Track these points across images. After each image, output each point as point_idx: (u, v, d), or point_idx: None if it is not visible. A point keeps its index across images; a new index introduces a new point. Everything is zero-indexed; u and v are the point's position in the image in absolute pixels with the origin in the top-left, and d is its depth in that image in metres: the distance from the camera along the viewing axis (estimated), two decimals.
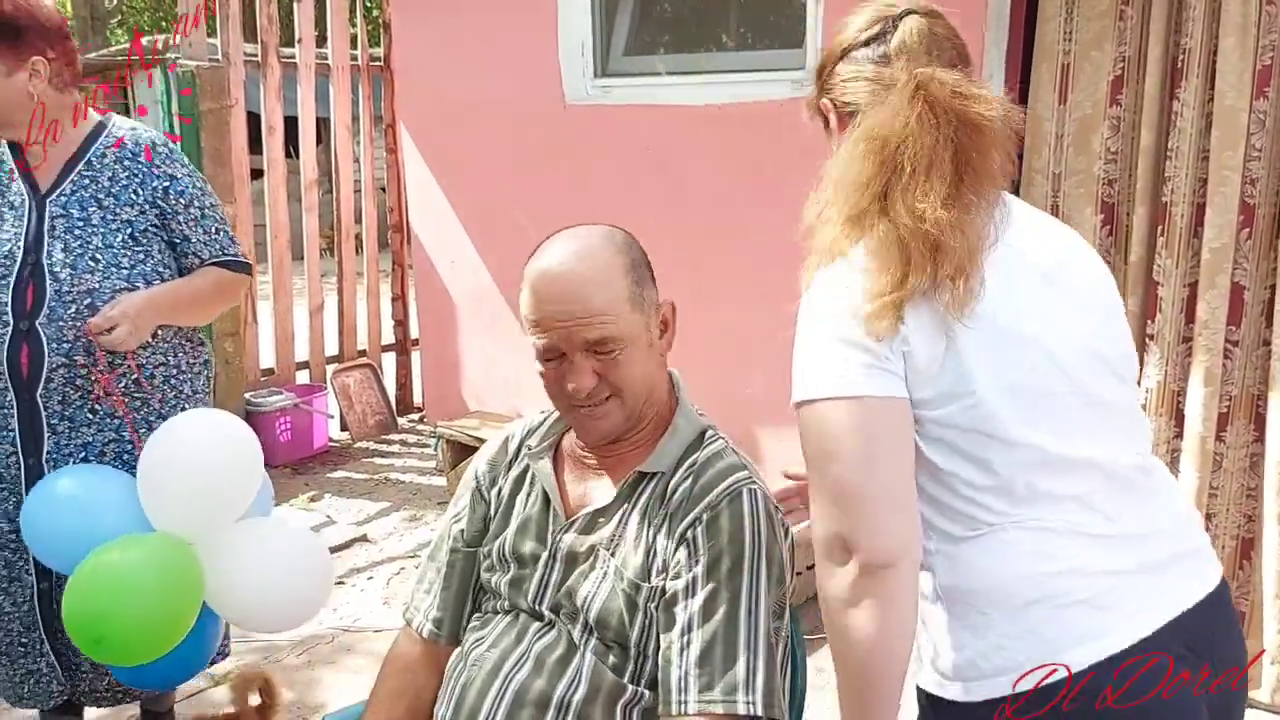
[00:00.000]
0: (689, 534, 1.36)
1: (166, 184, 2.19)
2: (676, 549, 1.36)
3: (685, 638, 1.32)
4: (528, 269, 1.43)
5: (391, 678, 1.57)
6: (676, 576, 1.35)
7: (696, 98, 3.64)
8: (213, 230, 2.25)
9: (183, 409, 2.23)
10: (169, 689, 2.37)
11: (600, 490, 1.48)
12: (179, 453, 1.96)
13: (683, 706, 1.29)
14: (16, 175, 2.12)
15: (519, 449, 1.59)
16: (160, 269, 2.19)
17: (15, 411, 2.09)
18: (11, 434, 2.11)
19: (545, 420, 1.59)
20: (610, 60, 3.96)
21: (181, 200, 2.20)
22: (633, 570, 1.38)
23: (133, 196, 2.15)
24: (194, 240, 2.23)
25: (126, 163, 2.17)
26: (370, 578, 3.68)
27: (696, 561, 1.34)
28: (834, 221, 1.33)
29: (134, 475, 2.07)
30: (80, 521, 1.98)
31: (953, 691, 1.26)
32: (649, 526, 1.40)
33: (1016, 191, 2.89)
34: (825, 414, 1.23)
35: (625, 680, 1.37)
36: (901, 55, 1.34)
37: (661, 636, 1.35)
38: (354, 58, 5.33)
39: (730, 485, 1.38)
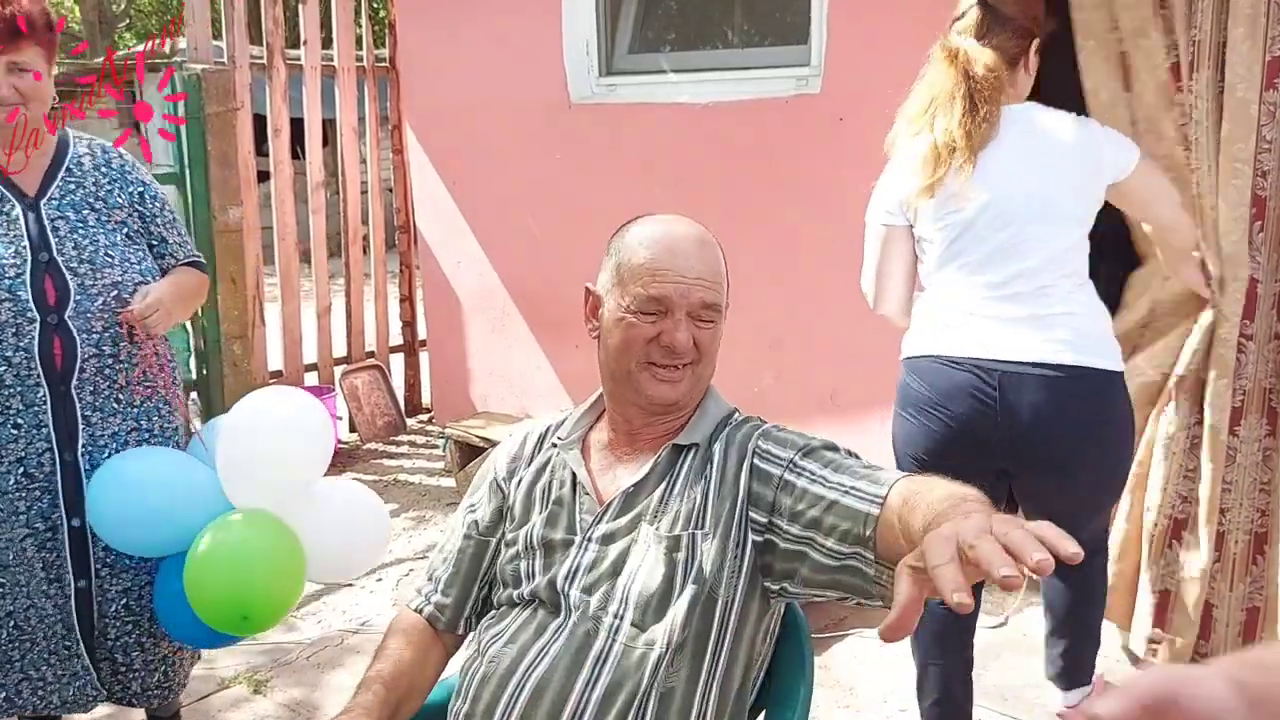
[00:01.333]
0: (755, 461, 1.43)
1: (141, 189, 2.30)
2: (748, 481, 1.42)
3: (835, 488, 1.33)
4: (636, 230, 1.50)
5: (387, 658, 1.57)
6: (781, 487, 1.39)
7: (701, 95, 3.63)
8: (182, 232, 2.40)
9: (176, 395, 2.36)
10: (215, 646, 2.43)
11: (629, 473, 1.50)
12: (261, 429, 2.13)
13: (875, 502, 1.27)
14: None
15: (538, 444, 1.62)
16: (154, 267, 2.30)
17: (49, 406, 2.12)
18: (46, 430, 2.13)
19: (568, 417, 1.62)
20: (615, 59, 3.95)
21: (155, 204, 2.32)
22: (687, 525, 1.41)
23: (118, 200, 2.25)
24: (170, 241, 2.34)
25: (104, 169, 2.27)
26: (379, 579, 3.68)
27: (783, 459, 1.41)
28: (902, 135, 2.28)
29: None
30: (163, 501, 2.12)
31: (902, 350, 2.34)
32: (692, 489, 1.44)
33: None
34: (867, 231, 2.36)
35: (653, 664, 1.36)
36: (963, 31, 2.22)
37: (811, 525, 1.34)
38: (359, 59, 5.33)
39: (771, 424, 1.49)
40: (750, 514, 1.40)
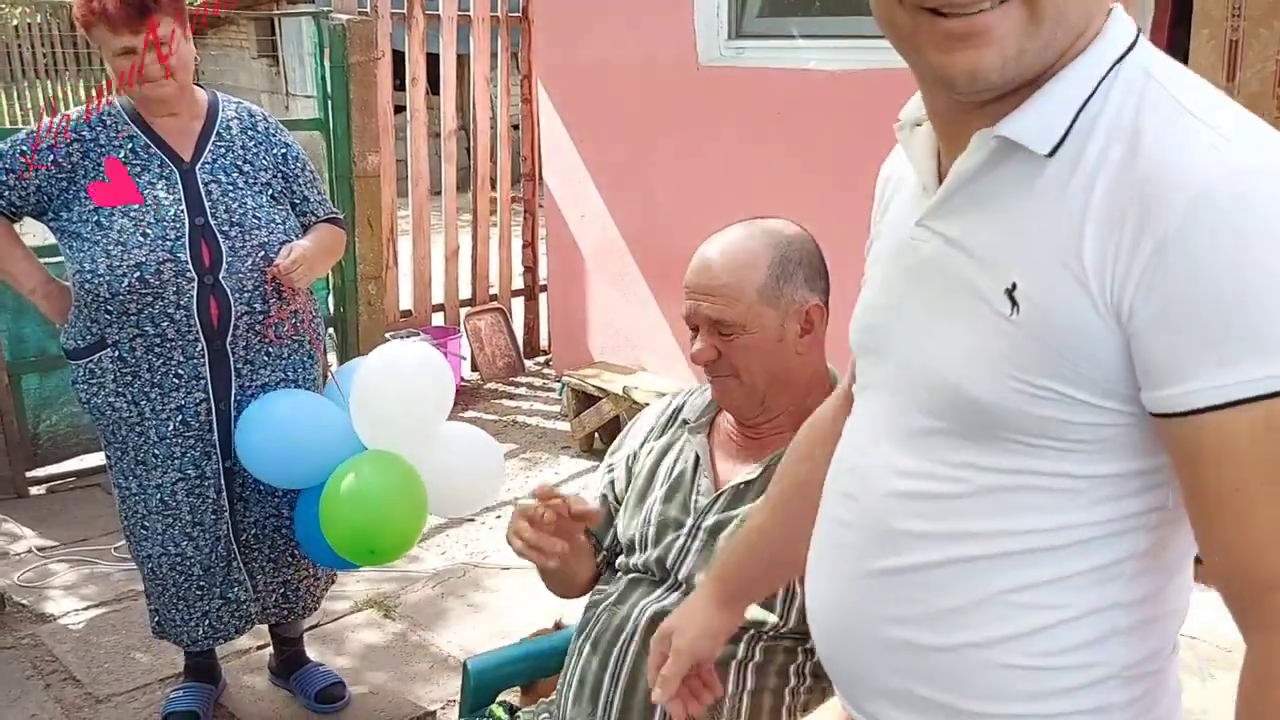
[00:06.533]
0: None
1: (284, 150, 2.45)
2: None
3: None
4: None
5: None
6: None
7: (829, 63, 3.65)
8: (322, 190, 2.54)
9: (318, 346, 2.55)
10: (348, 568, 2.67)
11: (745, 466, 1.58)
12: (393, 377, 2.32)
13: None
14: (153, 149, 2.31)
15: (671, 418, 1.72)
16: (297, 226, 2.46)
17: (207, 360, 2.33)
18: (203, 381, 2.33)
19: (701, 392, 1.70)
20: (744, 21, 3.98)
21: (298, 164, 2.46)
22: None
23: (264, 162, 2.40)
24: (311, 200, 2.50)
25: (250, 133, 2.41)
26: (499, 516, 3.89)
27: None
28: None
29: None
30: (301, 438, 2.34)
31: None
32: None
33: None
34: None
35: (761, 630, 1.48)
36: None
37: None
38: (494, 8, 5.46)
39: None
40: None
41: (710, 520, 1.56)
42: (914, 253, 0.97)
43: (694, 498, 1.59)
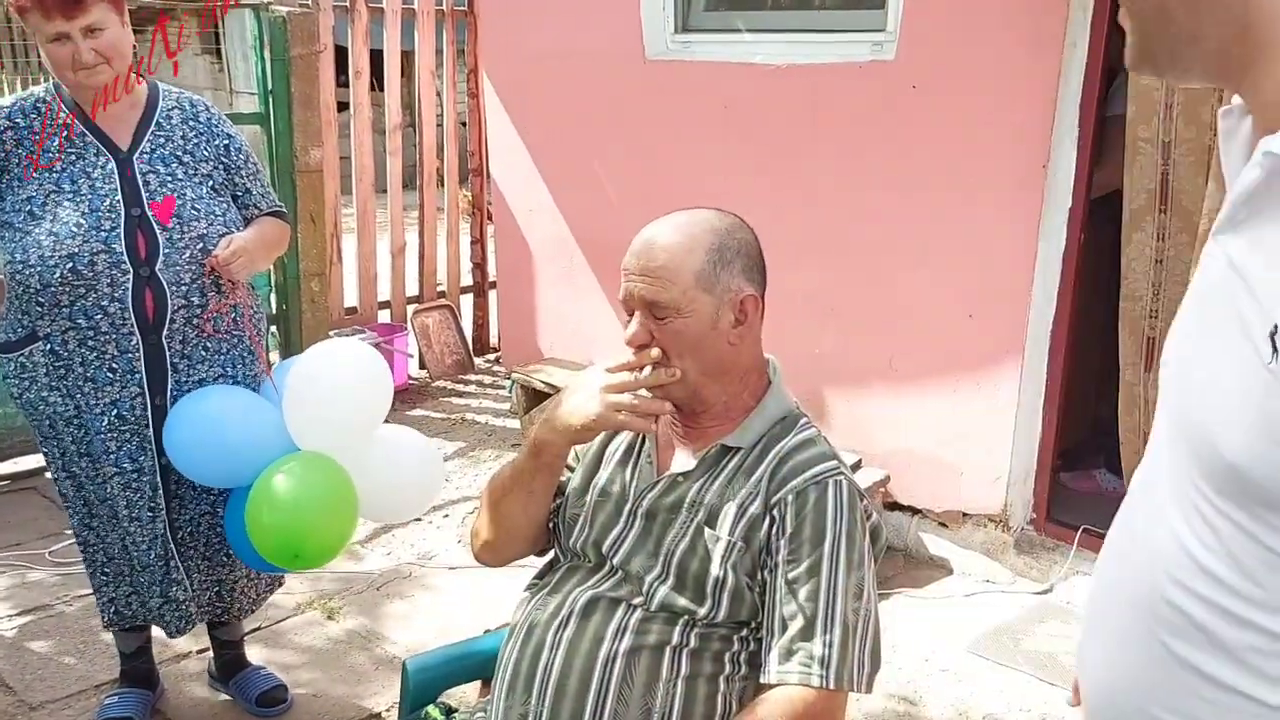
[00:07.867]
0: (774, 512, 1.46)
1: (226, 142, 2.40)
2: (763, 520, 1.46)
3: (770, 613, 1.44)
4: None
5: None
6: (762, 550, 1.46)
7: (776, 56, 3.64)
8: (265, 183, 2.49)
9: (258, 343, 2.47)
10: (279, 571, 2.56)
11: (682, 458, 1.58)
12: (326, 379, 2.25)
13: (765, 675, 1.42)
14: (89, 137, 2.25)
15: None
16: (237, 219, 2.40)
17: (142, 354, 2.26)
18: (139, 376, 2.28)
19: None
20: (691, 16, 3.97)
21: (240, 156, 2.42)
22: (715, 525, 1.48)
23: (205, 153, 2.36)
24: (254, 192, 2.45)
25: (191, 123, 2.36)
26: (446, 515, 3.85)
27: (779, 538, 1.45)
28: None
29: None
30: (231, 436, 2.25)
31: None
32: (735, 494, 1.49)
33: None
34: None
35: (694, 617, 1.47)
36: None
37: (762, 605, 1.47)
38: (439, 2, 5.40)
39: (818, 473, 1.48)
40: (768, 544, 1.47)
41: (645, 505, 1.55)
42: (1204, 271, 0.81)
43: (634, 481, 1.59)
